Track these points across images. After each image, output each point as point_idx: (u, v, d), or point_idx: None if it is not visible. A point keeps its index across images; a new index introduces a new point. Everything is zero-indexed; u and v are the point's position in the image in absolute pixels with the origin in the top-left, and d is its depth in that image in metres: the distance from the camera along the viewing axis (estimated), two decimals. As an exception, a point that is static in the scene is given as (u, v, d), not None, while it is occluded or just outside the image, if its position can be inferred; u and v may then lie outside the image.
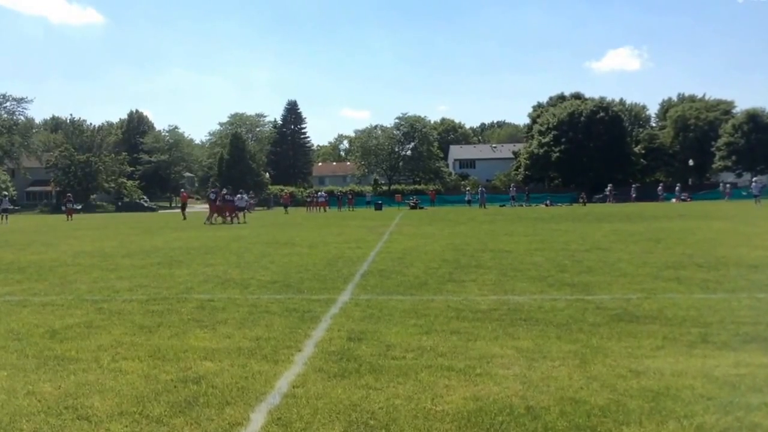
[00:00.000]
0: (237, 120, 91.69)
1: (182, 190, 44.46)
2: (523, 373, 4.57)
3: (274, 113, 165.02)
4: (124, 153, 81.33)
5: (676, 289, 8.05)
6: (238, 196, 30.81)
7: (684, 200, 55.14)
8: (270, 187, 73.97)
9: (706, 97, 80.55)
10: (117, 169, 78.13)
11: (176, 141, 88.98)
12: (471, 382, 4.38)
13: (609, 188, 58.39)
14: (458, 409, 3.87)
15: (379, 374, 4.57)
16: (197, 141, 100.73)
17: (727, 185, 53.36)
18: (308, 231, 22.26)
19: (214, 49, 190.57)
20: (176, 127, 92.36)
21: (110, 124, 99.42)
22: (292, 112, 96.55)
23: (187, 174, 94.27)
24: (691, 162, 70.63)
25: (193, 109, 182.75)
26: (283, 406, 3.96)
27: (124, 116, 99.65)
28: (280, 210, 50.05)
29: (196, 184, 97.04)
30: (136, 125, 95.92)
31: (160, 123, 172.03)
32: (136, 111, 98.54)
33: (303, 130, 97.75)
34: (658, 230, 18.61)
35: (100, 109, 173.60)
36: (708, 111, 74.60)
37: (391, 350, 5.24)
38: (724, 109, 74.86)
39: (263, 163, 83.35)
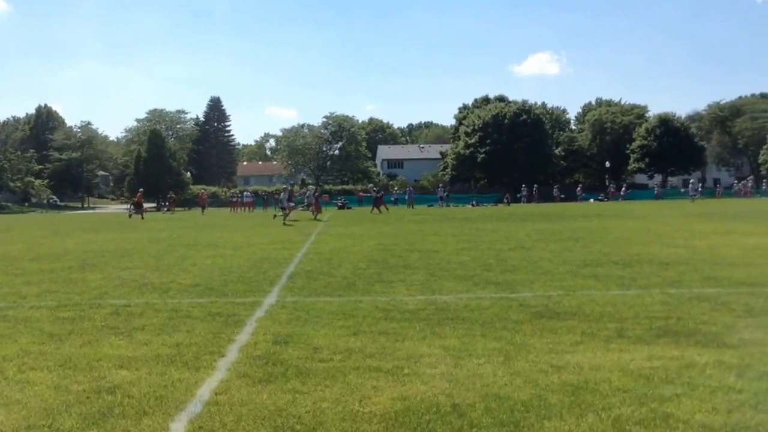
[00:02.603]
0: (156, 116, 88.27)
1: (141, 189, 43.86)
2: (450, 371, 4.62)
3: (197, 110, 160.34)
4: (31, 150, 76.89)
5: (594, 286, 8.36)
6: (283, 194, 29.45)
7: (601, 200, 57.62)
8: (191, 186, 71.94)
9: (622, 102, 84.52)
10: (24, 168, 73.71)
11: (89, 138, 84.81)
12: (399, 382, 4.39)
13: (524, 189, 60.20)
14: (386, 409, 3.86)
15: (305, 377, 4.51)
16: (112, 138, 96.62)
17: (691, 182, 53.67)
18: (233, 232, 21.81)
19: (129, 40, 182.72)
20: (89, 123, 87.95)
21: (16, 120, 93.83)
22: (215, 109, 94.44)
23: (101, 172, 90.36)
24: (607, 164, 73.78)
25: (107, 104, 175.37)
26: (204, 414, 3.84)
27: (32, 111, 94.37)
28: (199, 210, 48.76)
29: (111, 184, 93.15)
30: (44, 121, 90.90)
31: (72, 118, 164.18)
32: (45, 105, 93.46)
33: (227, 128, 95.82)
34: (576, 229, 19.31)
35: (5, 102, 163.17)
36: (623, 115, 78.27)
37: (318, 353, 5.18)
38: (638, 113, 78.76)
39: (184, 162, 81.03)
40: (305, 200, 32.54)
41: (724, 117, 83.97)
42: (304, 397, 4.10)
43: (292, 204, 29.19)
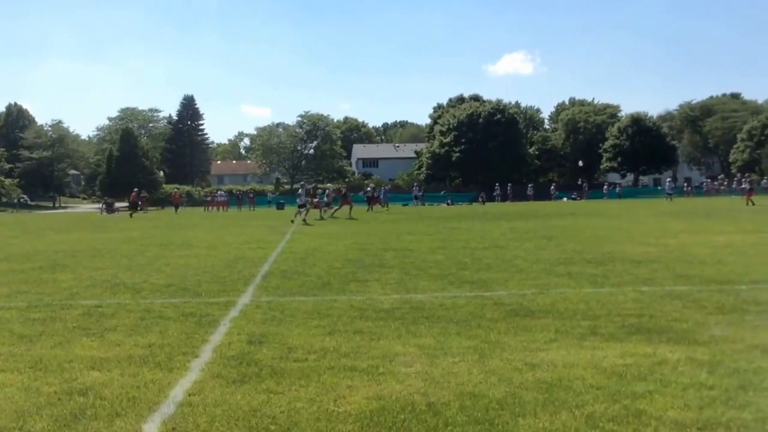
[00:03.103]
0: (128, 115, 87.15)
1: (135, 189, 44.23)
2: (425, 370, 4.63)
3: (170, 108, 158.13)
4: (1, 149, 75.53)
5: (567, 284, 8.45)
6: (301, 191, 29.15)
7: (575, 199, 58.29)
8: (165, 185, 71.09)
9: (595, 102, 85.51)
10: (-7, 167, 72.37)
11: (60, 136, 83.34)
12: (374, 381, 4.39)
13: (498, 188, 60.68)
14: (361, 409, 3.85)
15: (280, 378, 4.48)
16: (84, 136, 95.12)
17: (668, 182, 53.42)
18: (207, 232, 21.60)
19: (101, 38, 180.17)
20: (60, 122, 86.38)
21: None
22: (189, 108, 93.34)
23: (73, 171, 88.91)
24: (580, 163, 74.57)
25: (78, 103, 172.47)
26: (177, 415, 3.80)
27: (2, 109, 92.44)
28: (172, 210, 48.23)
29: (83, 183, 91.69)
30: (15, 119, 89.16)
31: (42, 117, 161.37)
32: (15, 104, 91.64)
33: (200, 127, 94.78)
34: (550, 228, 19.49)
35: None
36: (596, 114, 79.11)
37: (293, 352, 5.16)
38: (611, 112, 79.70)
39: (157, 161, 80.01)
40: (324, 198, 32.18)
41: (695, 117, 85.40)
42: (279, 398, 4.08)
43: (317, 200, 29.02)
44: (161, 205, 60.18)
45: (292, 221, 25.28)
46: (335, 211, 31.18)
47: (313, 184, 37.81)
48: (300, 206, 27.21)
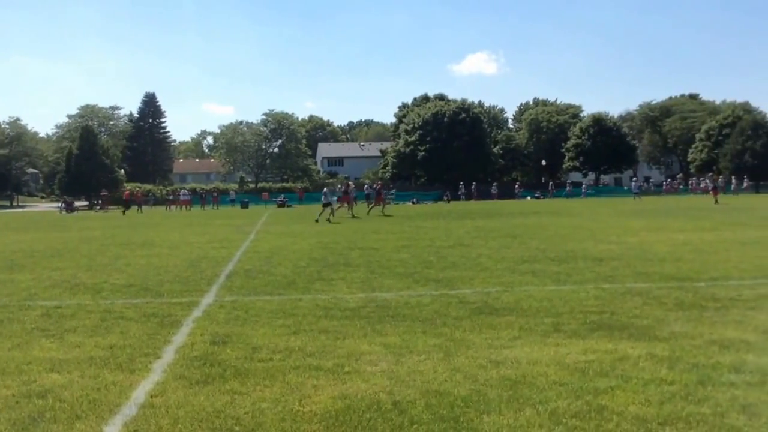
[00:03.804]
0: (88, 112, 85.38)
1: (127, 188, 44.09)
2: (391, 368, 4.63)
3: (131, 106, 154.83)
4: (-42, 148, 73.31)
5: (531, 282, 8.55)
6: (326, 189, 29.18)
7: (538, 198, 59.06)
8: (126, 184, 69.84)
9: (558, 102, 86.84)
10: (-51, 165, 70.17)
11: (18, 134, 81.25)
12: (339, 380, 4.37)
13: (462, 186, 61.31)
14: (326, 408, 3.83)
15: (244, 378, 4.43)
16: (42, 134, 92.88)
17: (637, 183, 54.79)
18: (169, 231, 21.28)
19: (60, 34, 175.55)
20: (18, 119, 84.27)
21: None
22: (150, 105, 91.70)
23: (31, 170, 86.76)
24: (543, 162, 75.66)
25: (37, 100, 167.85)
26: (140, 417, 3.73)
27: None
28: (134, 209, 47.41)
29: (41, 182, 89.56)
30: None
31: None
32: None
33: (162, 125, 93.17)
34: (514, 226, 19.72)
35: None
36: (559, 114, 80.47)
37: (257, 352, 5.11)
38: (573, 113, 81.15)
39: (118, 159, 78.53)
40: (352, 193, 31.90)
41: (654, 117, 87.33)
42: (243, 398, 4.03)
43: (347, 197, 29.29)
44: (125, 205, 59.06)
45: (317, 221, 24.73)
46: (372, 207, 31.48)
47: (345, 182, 37.92)
48: (324, 204, 26.86)
